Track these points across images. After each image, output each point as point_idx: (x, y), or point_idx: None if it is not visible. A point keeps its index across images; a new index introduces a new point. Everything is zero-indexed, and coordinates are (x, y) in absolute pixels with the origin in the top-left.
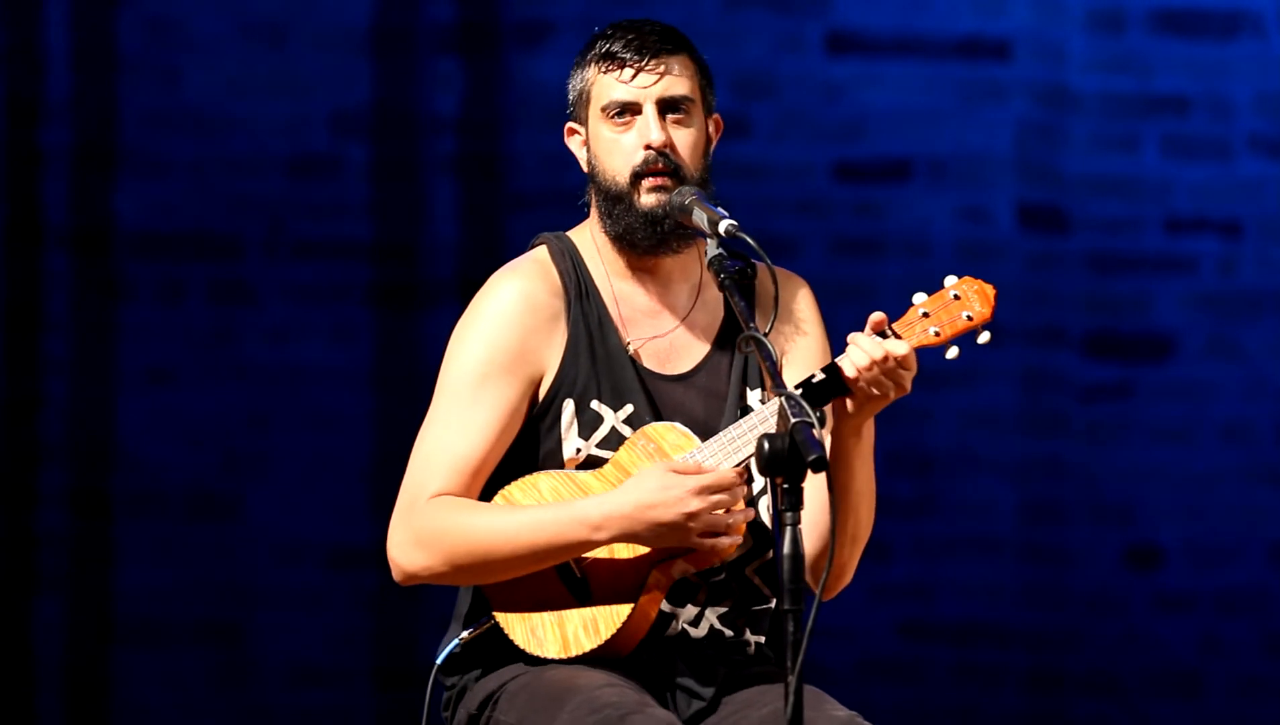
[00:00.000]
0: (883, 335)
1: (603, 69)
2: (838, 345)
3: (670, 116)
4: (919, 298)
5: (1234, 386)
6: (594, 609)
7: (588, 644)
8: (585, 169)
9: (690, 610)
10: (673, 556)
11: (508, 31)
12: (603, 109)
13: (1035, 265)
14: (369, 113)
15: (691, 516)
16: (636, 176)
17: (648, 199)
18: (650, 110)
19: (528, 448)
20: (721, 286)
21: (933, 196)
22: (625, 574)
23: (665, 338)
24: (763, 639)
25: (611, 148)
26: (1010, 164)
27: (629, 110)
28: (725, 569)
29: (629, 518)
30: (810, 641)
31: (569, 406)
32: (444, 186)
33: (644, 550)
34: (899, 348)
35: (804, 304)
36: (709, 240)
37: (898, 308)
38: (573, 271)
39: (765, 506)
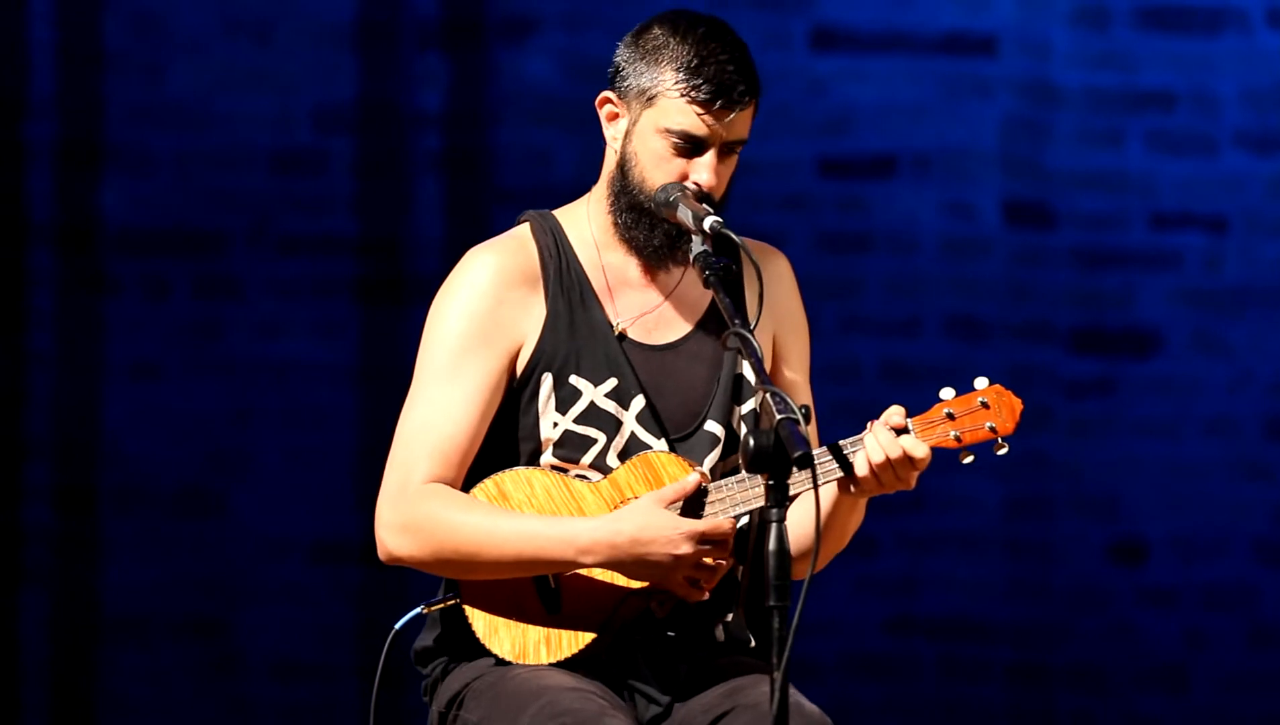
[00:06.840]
0: (903, 430)
1: (684, 93)
2: (815, 324)
3: (724, 156)
4: (947, 394)
5: (1219, 382)
6: (559, 628)
7: (545, 658)
8: (612, 145)
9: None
10: (650, 591)
11: (492, 27)
12: (667, 129)
13: (1020, 260)
14: (354, 108)
15: (680, 559)
16: None
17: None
18: (713, 154)
19: (508, 421)
20: (706, 283)
21: (918, 192)
22: (599, 596)
23: (653, 312)
24: (730, 617)
25: (658, 163)
26: (995, 159)
27: (694, 145)
28: None
29: (618, 548)
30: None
31: (547, 380)
32: (429, 182)
33: (623, 579)
34: (918, 450)
35: (785, 282)
36: (694, 236)
37: (881, 303)
38: (554, 246)
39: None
